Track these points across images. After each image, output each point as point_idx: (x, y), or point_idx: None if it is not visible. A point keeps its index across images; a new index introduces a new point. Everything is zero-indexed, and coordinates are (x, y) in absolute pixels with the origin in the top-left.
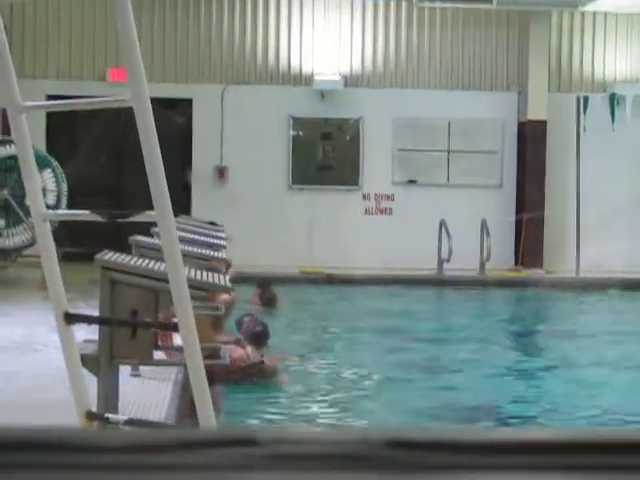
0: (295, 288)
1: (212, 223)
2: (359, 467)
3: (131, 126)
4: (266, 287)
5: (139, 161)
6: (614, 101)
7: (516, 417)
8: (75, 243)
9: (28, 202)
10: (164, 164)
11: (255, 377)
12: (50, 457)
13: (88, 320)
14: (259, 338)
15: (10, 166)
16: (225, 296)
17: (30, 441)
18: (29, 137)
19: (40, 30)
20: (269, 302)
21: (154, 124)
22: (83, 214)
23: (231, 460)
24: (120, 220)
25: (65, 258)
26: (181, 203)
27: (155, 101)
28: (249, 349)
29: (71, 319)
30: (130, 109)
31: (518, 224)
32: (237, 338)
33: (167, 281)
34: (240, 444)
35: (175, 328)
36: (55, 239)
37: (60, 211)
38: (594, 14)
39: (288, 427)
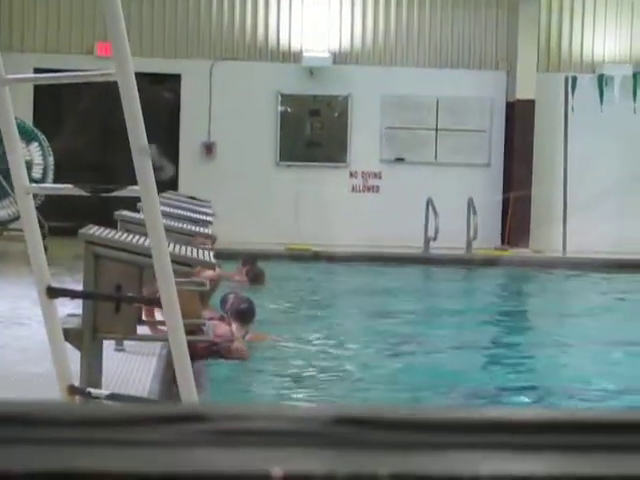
0: (281, 265)
1: (192, 198)
2: (306, 443)
3: (119, 101)
4: (252, 264)
5: (126, 136)
6: (602, 82)
7: (499, 394)
8: (62, 218)
9: None
10: (152, 140)
11: (221, 356)
12: (16, 432)
13: (71, 294)
14: (244, 315)
15: None
16: (210, 272)
17: None
18: (12, 110)
19: (28, 3)
20: (256, 279)
21: (138, 98)
22: (66, 188)
23: (178, 436)
24: (104, 195)
25: (52, 233)
26: (168, 179)
27: (143, 76)
28: (234, 326)
29: (54, 293)
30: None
31: (505, 203)
32: (221, 315)
33: (151, 256)
34: (187, 420)
35: (158, 303)
36: (42, 213)
37: (43, 185)
38: None
39: (236, 404)
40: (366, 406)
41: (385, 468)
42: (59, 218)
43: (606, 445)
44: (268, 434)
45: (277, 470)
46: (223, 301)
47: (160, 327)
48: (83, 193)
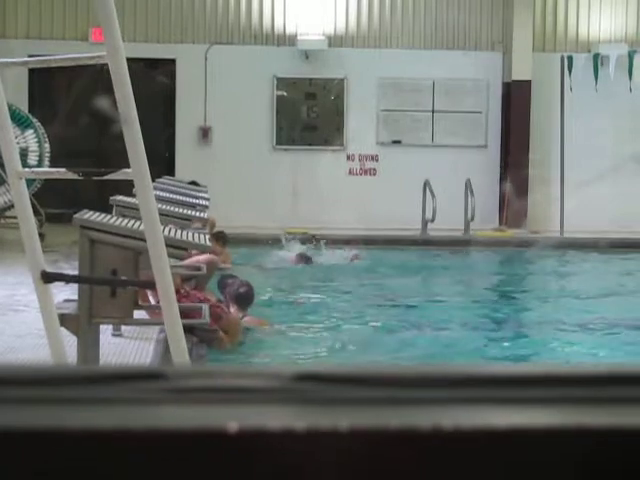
0: (279, 249)
1: (193, 183)
2: (265, 400)
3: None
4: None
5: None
6: (598, 61)
7: None
8: (59, 205)
9: None
10: (147, 125)
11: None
12: None
13: (65, 279)
14: (244, 299)
15: None
16: (204, 256)
17: None
18: (3, 94)
19: None
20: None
21: (129, 80)
22: (59, 172)
23: (134, 393)
24: (97, 178)
25: (49, 220)
26: (165, 164)
27: (138, 61)
28: (232, 310)
29: (48, 278)
30: None
31: (502, 184)
32: (219, 299)
33: (146, 240)
34: (147, 378)
35: (152, 286)
36: (39, 200)
37: (35, 169)
38: None
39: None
40: (328, 364)
41: (345, 422)
42: (56, 205)
43: (588, 398)
44: (226, 391)
45: (233, 425)
46: (221, 285)
47: (158, 311)
48: (76, 177)
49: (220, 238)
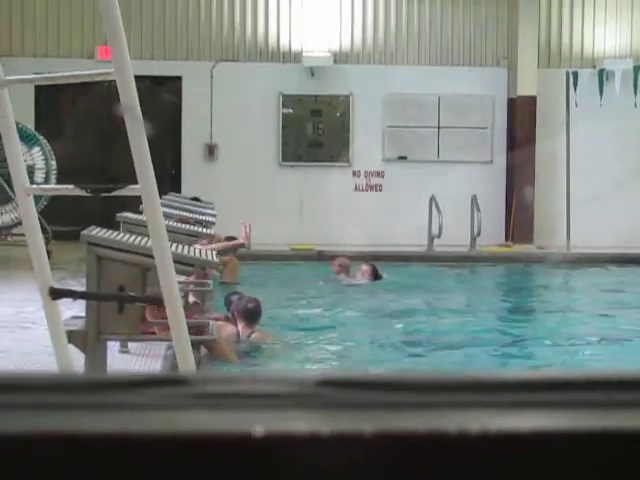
0: (286, 265)
1: (195, 199)
2: (290, 405)
3: (119, 104)
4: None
5: (128, 139)
6: (603, 76)
7: None
8: (66, 222)
9: None
10: (154, 142)
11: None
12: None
13: (73, 295)
14: (251, 315)
15: None
16: (214, 271)
17: None
18: (11, 111)
19: (27, 8)
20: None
21: (137, 97)
22: (67, 188)
23: (158, 399)
24: (104, 194)
25: (56, 237)
26: (171, 181)
27: (145, 79)
28: (240, 326)
29: (56, 294)
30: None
31: (508, 200)
32: (226, 315)
33: (153, 256)
34: (170, 383)
35: (160, 302)
36: (46, 218)
37: (43, 185)
38: None
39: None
40: (350, 370)
41: (370, 426)
42: (63, 222)
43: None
44: (250, 397)
45: (259, 430)
46: (227, 302)
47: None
48: (84, 193)
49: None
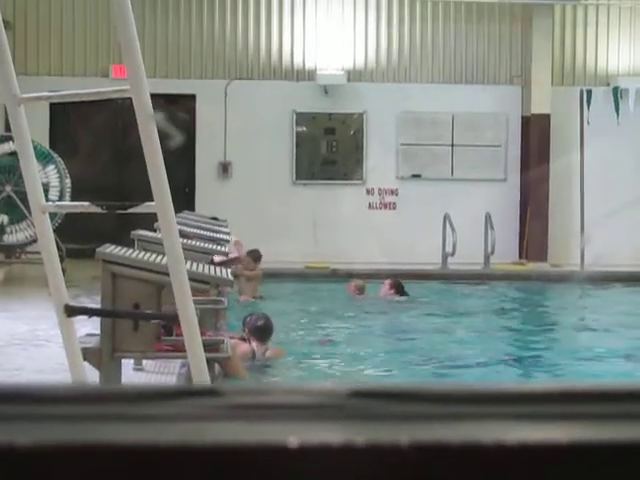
0: (301, 283)
1: (214, 218)
2: (323, 416)
3: (135, 122)
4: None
5: (143, 156)
6: (617, 94)
7: None
8: (79, 240)
9: None
10: (168, 160)
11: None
12: (26, 408)
13: (88, 312)
14: (263, 332)
15: (13, 162)
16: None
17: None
18: (27, 129)
19: (43, 27)
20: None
21: (153, 114)
22: (82, 206)
23: (192, 410)
24: (120, 211)
25: (69, 255)
26: (185, 199)
27: (158, 97)
28: (254, 344)
29: (71, 311)
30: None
31: (522, 217)
32: (242, 335)
33: (168, 274)
34: (202, 395)
35: (174, 320)
36: (59, 236)
37: (59, 202)
38: (597, 6)
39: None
40: (383, 382)
41: (405, 437)
42: (76, 240)
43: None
44: (283, 407)
45: (293, 441)
46: (243, 322)
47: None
48: (100, 210)
49: (253, 255)
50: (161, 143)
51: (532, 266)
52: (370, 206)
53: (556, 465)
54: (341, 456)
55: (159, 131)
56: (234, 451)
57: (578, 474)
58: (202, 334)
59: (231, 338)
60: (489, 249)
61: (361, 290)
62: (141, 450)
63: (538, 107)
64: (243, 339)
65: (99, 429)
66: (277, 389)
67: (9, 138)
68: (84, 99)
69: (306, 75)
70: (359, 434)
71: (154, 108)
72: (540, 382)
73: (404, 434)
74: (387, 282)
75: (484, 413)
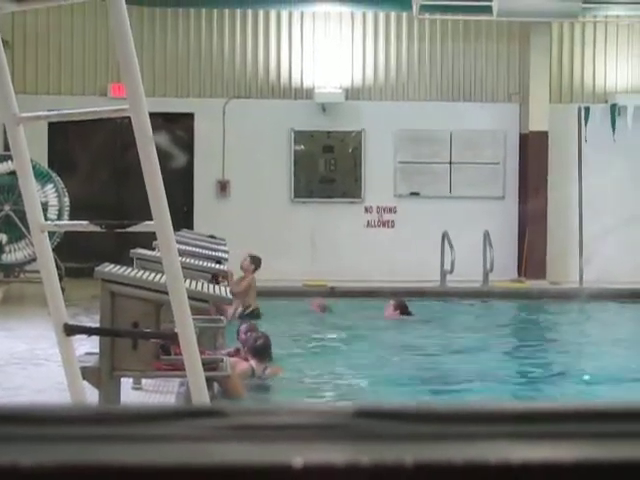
0: (298, 301)
1: (212, 237)
2: (327, 437)
3: (133, 140)
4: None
5: (142, 175)
6: (615, 112)
7: None
8: (78, 259)
9: None
10: (166, 178)
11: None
12: (29, 429)
13: (87, 331)
14: (262, 351)
15: (11, 182)
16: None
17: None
18: (26, 148)
19: (42, 46)
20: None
21: (152, 133)
22: (81, 224)
23: (195, 431)
24: (118, 230)
25: (68, 274)
26: (183, 217)
27: (157, 115)
28: (253, 362)
29: (70, 330)
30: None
31: (521, 235)
32: (237, 348)
33: (167, 293)
34: (207, 415)
35: (174, 338)
36: (58, 255)
37: (58, 222)
38: (594, 24)
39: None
40: (387, 402)
41: (410, 457)
42: (75, 259)
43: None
44: (287, 428)
45: (298, 461)
46: (238, 332)
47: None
48: (98, 229)
49: (255, 261)
50: (160, 162)
51: (530, 284)
52: (368, 224)
53: None
54: (346, 476)
55: (158, 150)
56: (239, 472)
57: None
58: (201, 353)
59: (229, 355)
60: (488, 267)
61: (323, 308)
62: (146, 471)
63: (536, 124)
64: (238, 351)
65: (102, 449)
66: (281, 409)
67: (8, 157)
68: (83, 118)
69: (304, 93)
70: (364, 454)
71: (152, 127)
72: (544, 401)
73: (408, 454)
74: (391, 303)
75: (488, 432)
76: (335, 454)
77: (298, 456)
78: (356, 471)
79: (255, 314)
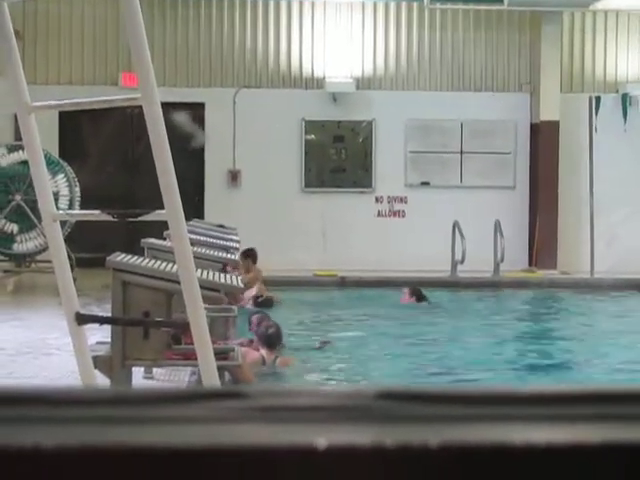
0: (309, 291)
1: (221, 226)
2: (349, 418)
3: (144, 130)
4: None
5: (153, 165)
6: (626, 101)
7: None
8: (89, 249)
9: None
10: (177, 168)
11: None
12: (51, 411)
13: (99, 320)
14: (273, 340)
15: (22, 171)
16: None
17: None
18: (38, 138)
19: (52, 36)
20: (265, 302)
21: (163, 122)
22: (93, 214)
23: (219, 412)
24: (131, 219)
25: (79, 264)
26: (194, 207)
27: (168, 105)
28: (264, 351)
29: (82, 319)
30: (142, 114)
31: (532, 225)
32: (250, 339)
33: (179, 282)
34: (228, 397)
35: (185, 328)
36: (69, 245)
37: (69, 211)
38: (605, 13)
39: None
40: (409, 384)
41: (435, 438)
42: (86, 250)
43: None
44: (309, 409)
45: (321, 442)
46: (250, 321)
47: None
48: (110, 218)
49: (249, 256)
50: (171, 152)
51: (541, 273)
52: (379, 214)
53: (587, 465)
54: (370, 457)
55: (168, 140)
56: (263, 453)
57: (610, 474)
58: (212, 342)
59: (241, 345)
60: (499, 256)
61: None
62: (169, 452)
63: (547, 114)
64: (251, 342)
65: (125, 431)
66: (303, 391)
67: (19, 147)
68: (95, 107)
69: (315, 83)
70: (387, 436)
71: (163, 116)
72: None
73: (433, 436)
74: (406, 290)
75: (513, 414)
76: (359, 436)
77: (321, 437)
78: (381, 452)
79: (268, 303)
